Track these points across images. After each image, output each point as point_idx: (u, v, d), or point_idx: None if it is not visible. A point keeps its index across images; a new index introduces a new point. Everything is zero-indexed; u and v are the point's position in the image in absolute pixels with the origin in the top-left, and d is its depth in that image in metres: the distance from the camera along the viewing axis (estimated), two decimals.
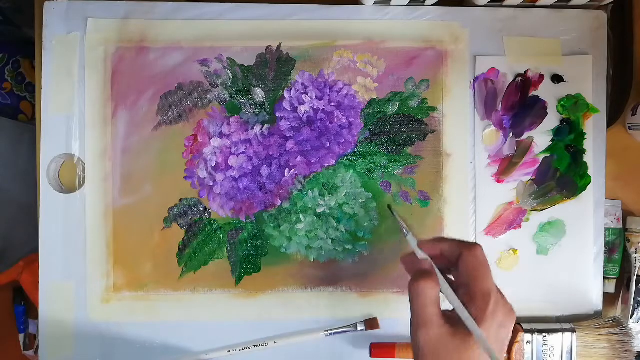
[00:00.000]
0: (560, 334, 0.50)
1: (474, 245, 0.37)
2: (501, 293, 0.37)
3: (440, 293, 0.37)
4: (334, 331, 0.51)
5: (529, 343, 0.50)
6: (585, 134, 0.53)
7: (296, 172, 0.52)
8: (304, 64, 0.52)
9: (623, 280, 0.54)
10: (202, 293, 0.52)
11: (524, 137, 0.53)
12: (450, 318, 0.36)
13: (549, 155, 0.53)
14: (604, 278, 0.53)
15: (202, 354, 0.52)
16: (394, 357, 0.51)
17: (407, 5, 0.52)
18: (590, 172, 0.52)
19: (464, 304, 0.36)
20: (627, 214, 0.55)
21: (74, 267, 0.51)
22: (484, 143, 0.53)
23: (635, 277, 0.53)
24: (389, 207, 0.47)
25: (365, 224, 0.52)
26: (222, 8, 0.52)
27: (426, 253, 0.39)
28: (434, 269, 0.38)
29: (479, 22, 0.52)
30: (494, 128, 0.53)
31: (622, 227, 0.54)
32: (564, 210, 0.52)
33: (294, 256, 0.52)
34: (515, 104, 0.52)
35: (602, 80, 0.53)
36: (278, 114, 0.52)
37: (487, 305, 0.35)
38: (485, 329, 0.34)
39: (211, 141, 0.52)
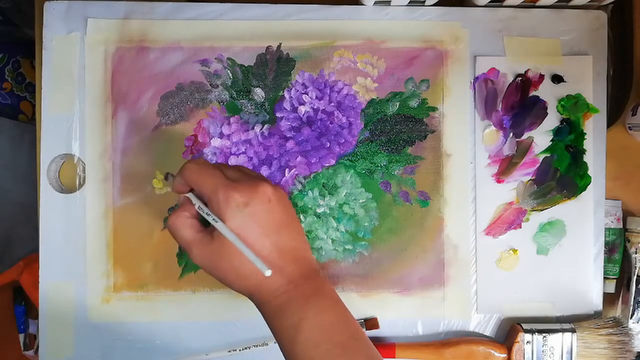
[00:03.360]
0: (560, 334, 0.50)
1: (184, 165, 0.39)
2: (235, 181, 0.38)
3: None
4: None
5: (529, 343, 0.50)
6: (585, 134, 0.53)
7: (296, 172, 0.52)
8: (304, 64, 0.52)
9: (623, 280, 0.54)
10: (202, 293, 0.52)
11: (524, 137, 0.53)
12: (212, 230, 0.38)
13: (549, 155, 0.53)
14: (604, 278, 0.53)
15: (202, 354, 0.52)
16: (394, 357, 0.51)
17: (407, 5, 0.52)
18: (590, 172, 0.52)
19: (212, 211, 0.38)
20: (627, 214, 0.54)
21: (74, 267, 0.51)
22: (484, 143, 0.53)
23: (635, 277, 0.53)
24: (167, 174, 0.45)
25: (365, 224, 0.52)
26: (222, 8, 0.52)
27: (184, 190, 0.41)
28: (187, 197, 0.40)
29: (479, 22, 0.52)
30: (494, 128, 0.53)
31: (622, 227, 0.54)
32: (564, 210, 0.52)
33: None
34: (515, 104, 0.52)
35: (602, 80, 0.53)
36: (278, 114, 0.52)
37: (217, 197, 0.37)
38: (230, 216, 0.36)
39: (211, 141, 0.52)
